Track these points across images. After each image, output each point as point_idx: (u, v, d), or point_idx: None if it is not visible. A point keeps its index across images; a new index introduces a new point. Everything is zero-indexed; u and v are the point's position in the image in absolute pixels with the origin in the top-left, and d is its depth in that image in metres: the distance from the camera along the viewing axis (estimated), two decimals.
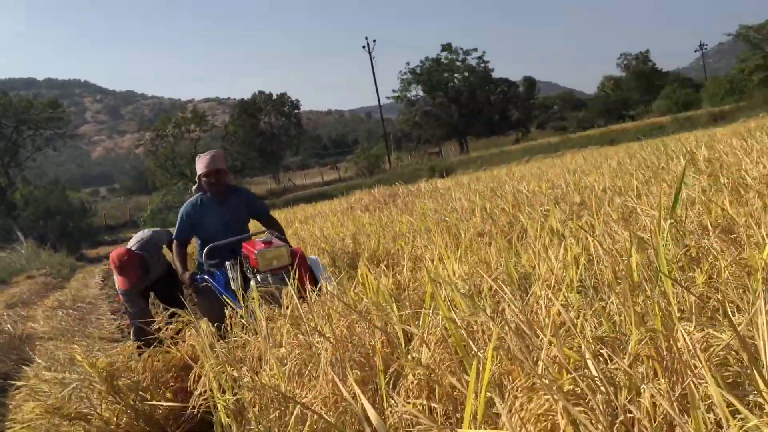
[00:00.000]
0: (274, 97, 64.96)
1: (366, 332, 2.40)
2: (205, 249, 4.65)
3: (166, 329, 3.69)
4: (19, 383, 4.68)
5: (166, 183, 46.81)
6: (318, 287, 3.26)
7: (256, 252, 4.01)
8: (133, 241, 5.17)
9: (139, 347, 3.80)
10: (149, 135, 49.64)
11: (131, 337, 5.06)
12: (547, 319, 1.96)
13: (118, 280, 4.94)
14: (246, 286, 3.97)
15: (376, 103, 57.90)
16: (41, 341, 6.92)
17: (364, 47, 53.30)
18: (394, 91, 60.37)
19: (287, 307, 2.93)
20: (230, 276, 4.12)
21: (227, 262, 4.21)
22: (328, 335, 2.33)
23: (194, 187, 4.88)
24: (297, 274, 3.57)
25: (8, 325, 7.77)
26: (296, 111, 66.06)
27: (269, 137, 62.44)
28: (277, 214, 8.81)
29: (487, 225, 4.70)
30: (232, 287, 4.05)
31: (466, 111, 59.30)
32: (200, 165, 4.72)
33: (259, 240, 4.20)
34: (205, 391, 2.83)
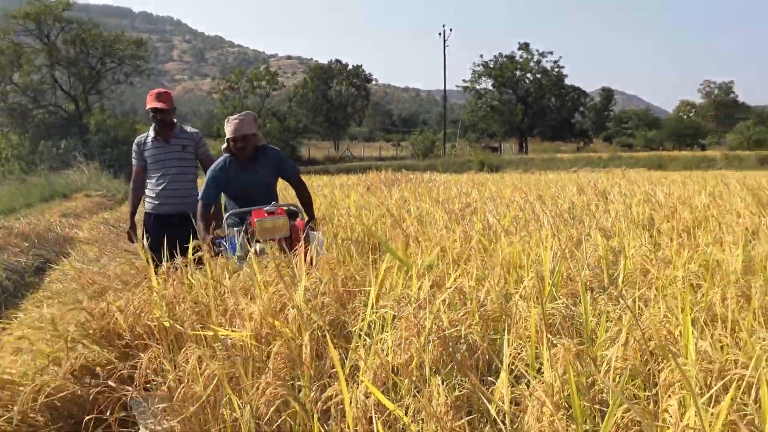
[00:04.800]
0: (350, 67, 66.79)
1: None
2: (226, 215, 4.64)
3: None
4: (56, 267, 6.40)
5: None
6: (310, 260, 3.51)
7: (256, 221, 4.14)
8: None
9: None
10: (223, 85, 51.96)
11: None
12: None
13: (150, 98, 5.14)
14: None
15: (452, 87, 58.52)
16: (80, 244, 8.66)
17: (439, 34, 54.39)
18: (464, 80, 61.09)
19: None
20: (237, 243, 4.20)
21: (235, 229, 4.38)
22: None
23: (223, 147, 4.77)
24: (289, 244, 4.00)
25: (58, 228, 9.58)
26: (367, 84, 67.72)
27: (337, 106, 64.39)
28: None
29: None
30: (237, 254, 4.13)
31: (531, 111, 59.64)
32: (229, 129, 4.59)
33: (266, 209, 4.27)
34: None
